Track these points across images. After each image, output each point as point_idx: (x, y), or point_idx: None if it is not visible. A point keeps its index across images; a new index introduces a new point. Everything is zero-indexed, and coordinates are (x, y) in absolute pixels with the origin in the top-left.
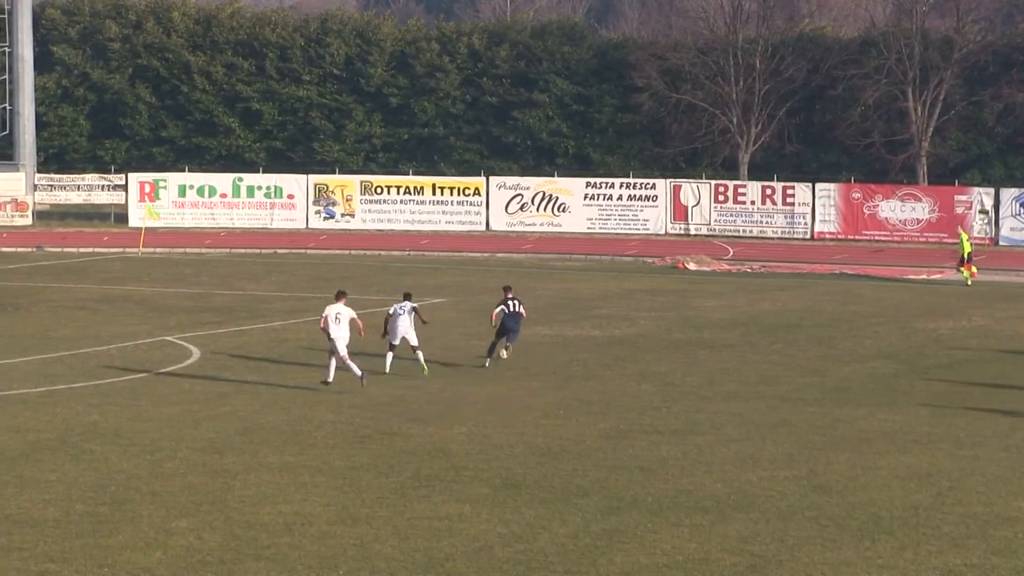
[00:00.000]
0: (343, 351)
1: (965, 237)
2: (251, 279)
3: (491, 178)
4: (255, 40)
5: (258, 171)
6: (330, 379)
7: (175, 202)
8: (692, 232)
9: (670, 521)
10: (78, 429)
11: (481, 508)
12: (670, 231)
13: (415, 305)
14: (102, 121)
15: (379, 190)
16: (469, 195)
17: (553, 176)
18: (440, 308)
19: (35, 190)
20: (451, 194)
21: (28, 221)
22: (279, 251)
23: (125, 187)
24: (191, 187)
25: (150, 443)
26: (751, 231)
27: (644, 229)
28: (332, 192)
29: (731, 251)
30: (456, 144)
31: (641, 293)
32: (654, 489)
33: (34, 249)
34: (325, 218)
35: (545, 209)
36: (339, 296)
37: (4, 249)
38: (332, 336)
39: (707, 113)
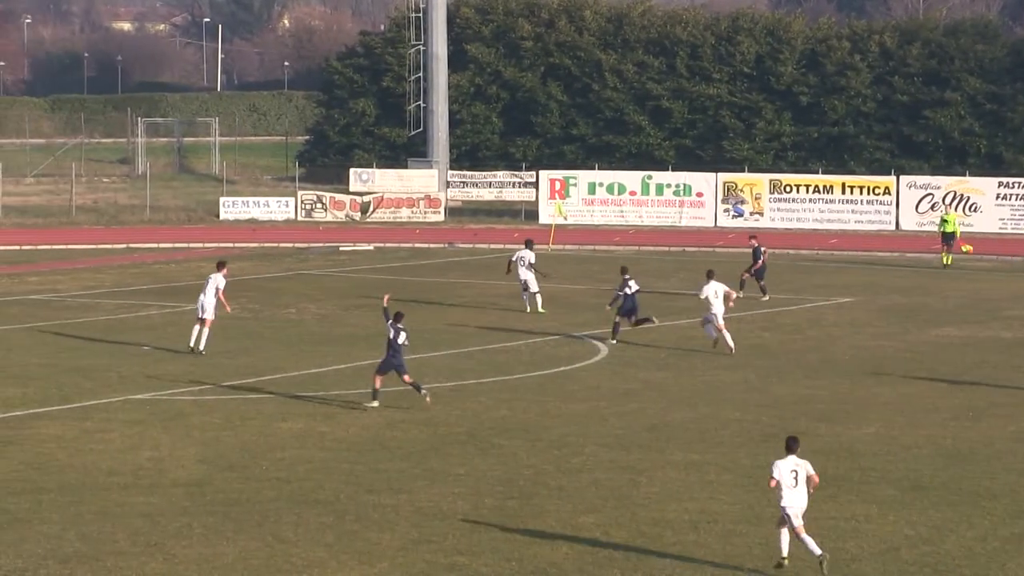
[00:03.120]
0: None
1: (952, 218)
2: (659, 276)
3: (901, 177)
4: (666, 38)
5: (667, 169)
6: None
7: (585, 199)
8: None
9: None
10: (487, 423)
11: (888, 509)
12: None
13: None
14: (513, 119)
15: (788, 188)
16: (879, 194)
17: (964, 176)
18: (848, 308)
19: (447, 187)
20: (860, 193)
21: (440, 217)
22: (687, 249)
23: (536, 184)
24: (600, 184)
25: (557, 439)
26: None
27: None
28: (741, 190)
29: None
30: (866, 143)
31: None
32: None
33: (445, 245)
34: (734, 216)
35: (956, 209)
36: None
37: (417, 245)
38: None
39: None
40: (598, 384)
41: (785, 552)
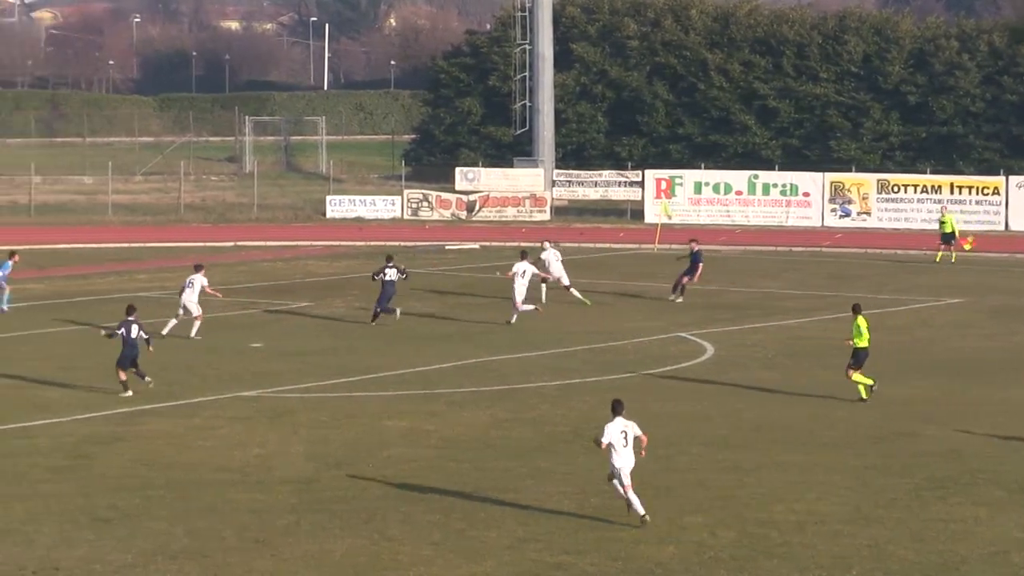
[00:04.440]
0: None
1: (951, 219)
2: (765, 276)
3: (1010, 177)
4: (772, 37)
5: (773, 168)
6: None
7: (691, 199)
8: None
9: None
10: (592, 423)
11: (997, 512)
12: None
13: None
14: (619, 118)
15: (896, 188)
16: (988, 194)
17: None
18: (956, 309)
19: (553, 186)
20: (969, 193)
21: (546, 216)
22: (793, 249)
23: (641, 184)
24: (707, 184)
25: (663, 438)
26: None
27: None
28: (848, 190)
29: None
30: (975, 143)
31: None
32: None
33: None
34: (841, 216)
35: None
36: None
37: (523, 244)
38: None
39: None
40: (704, 384)
41: (640, 508)
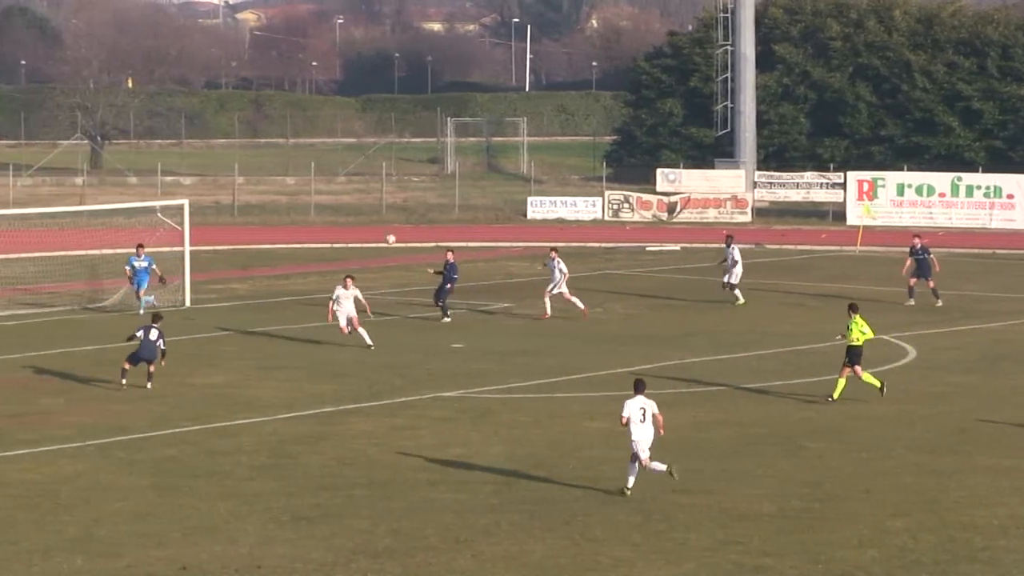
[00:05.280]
0: None
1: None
2: (968, 279)
3: None
4: (976, 38)
5: (977, 171)
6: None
7: (893, 200)
8: None
9: None
10: (793, 425)
11: None
12: None
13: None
14: (821, 119)
15: None
16: None
17: None
18: None
19: (754, 187)
20: None
21: (747, 218)
22: (997, 251)
23: (843, 185)
24: (909, 186)
25: (867, 441)
26: None
27: None
28: None
29: None
30: None
31: None
32: None
33: (753, 246)
34: None
35: None
36: None
37: (723, 246)
38: None
39: None
40: (906, 386)
41: (631, 484)
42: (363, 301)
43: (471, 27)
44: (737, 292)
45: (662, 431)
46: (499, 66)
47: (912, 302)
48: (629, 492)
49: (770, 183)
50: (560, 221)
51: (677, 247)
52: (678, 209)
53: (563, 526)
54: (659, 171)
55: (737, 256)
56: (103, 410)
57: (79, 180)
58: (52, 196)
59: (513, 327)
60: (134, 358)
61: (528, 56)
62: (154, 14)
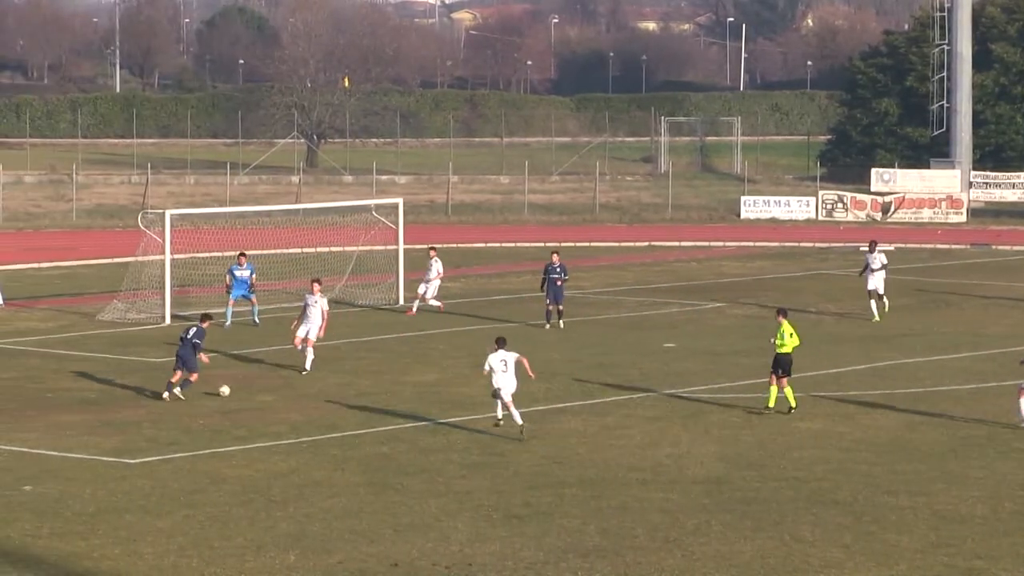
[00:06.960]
0: None
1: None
2: None
3: None
4: None
5: None
6: None
7: None
8: None
9: None
10: (1006, 427)
11: None
12: None
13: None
14: None
15: None
16: None
17: None
18: None
19: (970, 187)
20: None
21: (962, 219)
22: None
23: None
24: None
25: None
26: None
27: None
28: None
29: None
30: None
31: None
32: None
33: (967, 247)
34: None
35: None
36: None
37: (939, 246)
38: None
39: None
40: None
41: (499, 415)
42: (326, 314)
43: (686, 26)
44: (873, 305)
45: (532, 375)
46: (714, 65)
47: None
48: (501, 424)
49: (986, 183)
50: (773, 221)
51: (891, 247)
52: (892, 209)
53: (773, 527)
54: (873, 171)
55: (883, 261)
56: (315, 407)
57: (295, 179)
58: (268, 195)
59: (725, 326)
60: (177, 361)
61: (743, 55)
62: (371, 13)
